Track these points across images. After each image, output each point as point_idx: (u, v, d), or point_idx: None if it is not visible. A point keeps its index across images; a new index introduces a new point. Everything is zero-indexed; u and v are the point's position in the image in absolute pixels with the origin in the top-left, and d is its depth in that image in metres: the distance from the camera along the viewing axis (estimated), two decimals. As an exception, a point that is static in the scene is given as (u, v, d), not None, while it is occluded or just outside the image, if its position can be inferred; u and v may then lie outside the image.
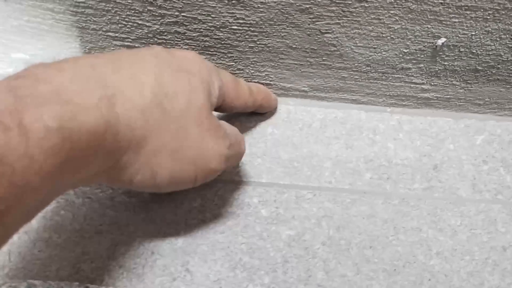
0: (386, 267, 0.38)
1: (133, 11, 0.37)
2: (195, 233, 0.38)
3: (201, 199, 0.40)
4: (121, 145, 0.27)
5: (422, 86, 0.44)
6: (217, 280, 0.36)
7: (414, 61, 0.41)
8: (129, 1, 0.37)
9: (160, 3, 0.37)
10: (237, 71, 0.43)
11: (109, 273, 0.36)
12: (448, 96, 0.45)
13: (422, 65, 0.42)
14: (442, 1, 0.36)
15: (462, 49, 0.40)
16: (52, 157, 0.22)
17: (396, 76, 0.43)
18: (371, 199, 0.41)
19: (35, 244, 0.37)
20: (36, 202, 0.24)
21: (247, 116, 0.44)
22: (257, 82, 0.44)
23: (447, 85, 0.44)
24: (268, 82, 0.44)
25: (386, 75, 0.43)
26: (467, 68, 0.42)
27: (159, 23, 0.38)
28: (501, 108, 0.46)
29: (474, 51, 0.40)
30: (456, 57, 0.41)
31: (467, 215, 0.41)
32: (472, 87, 0.44)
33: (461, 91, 0.44)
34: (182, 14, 0.38)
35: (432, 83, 0.44)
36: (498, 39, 0.39)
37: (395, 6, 0.36)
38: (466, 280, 0.38)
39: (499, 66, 0.42)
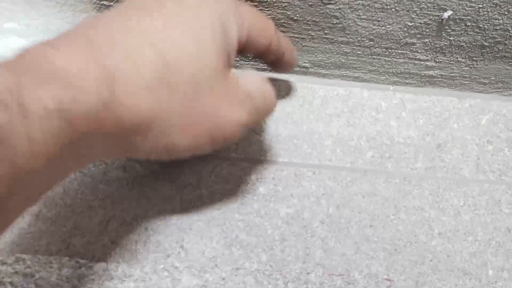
0: (387, 246, 0.37)
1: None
2: (190, 210, 0.37)
3: (197, 176, 0.39)
4: (125, 129, 0.25)
5: (427, 63, 0.43)
6: (213, 257, 0.35)
7: (419, 36, 0.40)
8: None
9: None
10: (236, 45, 0.42)
11: (101, 248, 0.35)
12: (453, 74, 0.44)
13: (427, 40, 0.40)
14: (449, -29, 0.35)
15: (468, 23, 0.39)
16: (53, 140, 0.21)
17: (400, 51, 0.42)
18: (372, 178, 0.40)
19: (24, 218, 0.36)
20: (39, 186, 0.23)
21: (245, 91, 0.43)
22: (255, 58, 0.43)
23: (452, 62, 0.43)
24: (267, 57, 0.43)
25: (390, 50, 0.42)
26: (473, 43, 0.41)
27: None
28: (507, 88, 0.45)
29: (481, 25, 0.39)
30: (462, 31, 0.39)
31: (471, 195, 0.40)
32: (477, 64, 0.43)
33: (466, 68, 0.43)
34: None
35: (437, 60, 0.42)
36: (506, 12, 0.38)
37: (401, -25, 0.35)
38: (469, 260, 0.37)
39: (506, 42, 0.40)
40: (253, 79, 0.32)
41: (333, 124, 0.42)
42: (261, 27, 0.33)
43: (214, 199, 0.38)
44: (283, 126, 0.42)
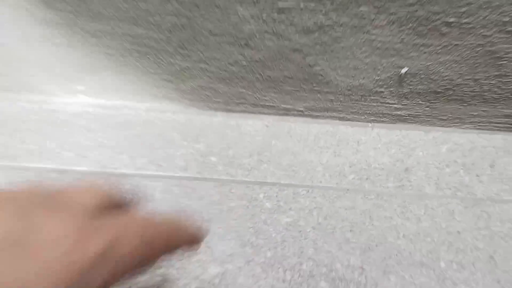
0: (362, 246, 0.49)
1: (167, 53, 0.50)
2: (214, 219, 0.50)
3: (219, 195, 0.52)
4: None
5: (395, 105, 0.55)
6: (231, 254, 0.48)
7: (385, 86, 0.53)
8: (164, 46, 0.49)
9: (187, 46, 0.49)
10: (247, 96, 0.55)
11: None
12: (417, 113, 0.56)
13: (392, 89, 0.53)
14: (400, 40, 0.48)
15: (422, 76, 0.51)
16: None
17: (372, 98, 0.55)
18: (353, 195, 0.52)
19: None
20: None
21: (255, 130, 0.56)
22: (263, 105, 0.56)
23: (415, 104, 0.55)
24: (272, 104, 0.56)
25: (365, 97, 0.54)
26: (429, 90, 0.53)
27: (186, 61, 0.51)
28: (462, 122, 0.57)
29: (432, 77, 0.51)
30: (418, 82, 0.52)
31: (430, 207, 0.52)
32: (435, 105, 0.55)
33: (427, 109, 0.55)
34: (205, 53, 0.50)
35: (402, 103, 0.55)
36: (450, 68, 0.50)
37: (365, 45, 0.48)
38: (426, 256, 0.49)
39: (454, 88, 0.53)
40: None
41: (323, 155, 0.55)
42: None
43: (232, 212, 0.51)
44: (285, 157, 0.55)
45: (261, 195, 0.52)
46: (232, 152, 0.54)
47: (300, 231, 0.50)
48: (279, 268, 0.46)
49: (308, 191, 0.52)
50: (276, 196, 0.52)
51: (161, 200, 0.51)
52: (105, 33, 0.49)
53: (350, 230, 0.50)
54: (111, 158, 0.54)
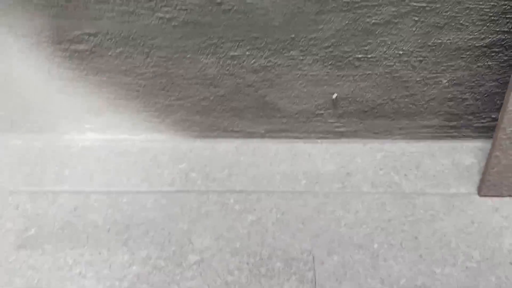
0: (311, 233, 0.62)
1: (152, 95, 0.66)
2: (194, 222, 0.64)
3: (198, 202, 0.66)
4: None
5: (335, 124, 0.70)
6: (207, 246, 0.62)
7: (324, 109, 0.67)
8: (149, 89, 0.65)
9: (167, 89, 0.65)
10: (218, 124, 0.70)
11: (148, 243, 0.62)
12: (355, 129, 0.71)
13: (330, 111, 0.68)
14: (326, 73, 0.63)
15: (350, 99, 0.66)
16: None
17: (316, 119, 0.69)
18: (305, 196, 0.66)
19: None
20: None
21: (227, 150, 0.71)
22: (232, 130, 0.71)
23: (351, 122, 0.69)
24: (238, 129, 0.71)
25: (310, 118, 0.69)
26: (358, 110, 0.68)
27: (168, 100, 0.66)
28: (392, 134, 0.71)
29: (358, 99, 0.66)
30: (348, 104, 0.67)
31: (366, 201, 0.66)
32: (367, 122, 0.69)
33: (360, 125, 0.70)
34: (181, 93, 0.66)
35: (340, 122, 0.69)
36: (369, 91, 0.65)
37: (300, 78, 0.63)
38: (362, 238, 0.62)
39: (377, 107, 0.67)
40: None
41: (282, 166, 0.69)
42: None
43: (208, 215, 0.65)
44: (250, 169, 0.69)
45: (232, 200, 0.66)
46: (209, 169, 0.69)
47: (263, 226, 0.63)
48: (244, 254, 0.60)
49: (268, 195, 0.66)
50: (244, 200, 0.66)
51: (152, 209, 0.65)
52: (105, 83, 0.65)
53: (302, 223, 0.64)
54: (113, 179, 0.68)
